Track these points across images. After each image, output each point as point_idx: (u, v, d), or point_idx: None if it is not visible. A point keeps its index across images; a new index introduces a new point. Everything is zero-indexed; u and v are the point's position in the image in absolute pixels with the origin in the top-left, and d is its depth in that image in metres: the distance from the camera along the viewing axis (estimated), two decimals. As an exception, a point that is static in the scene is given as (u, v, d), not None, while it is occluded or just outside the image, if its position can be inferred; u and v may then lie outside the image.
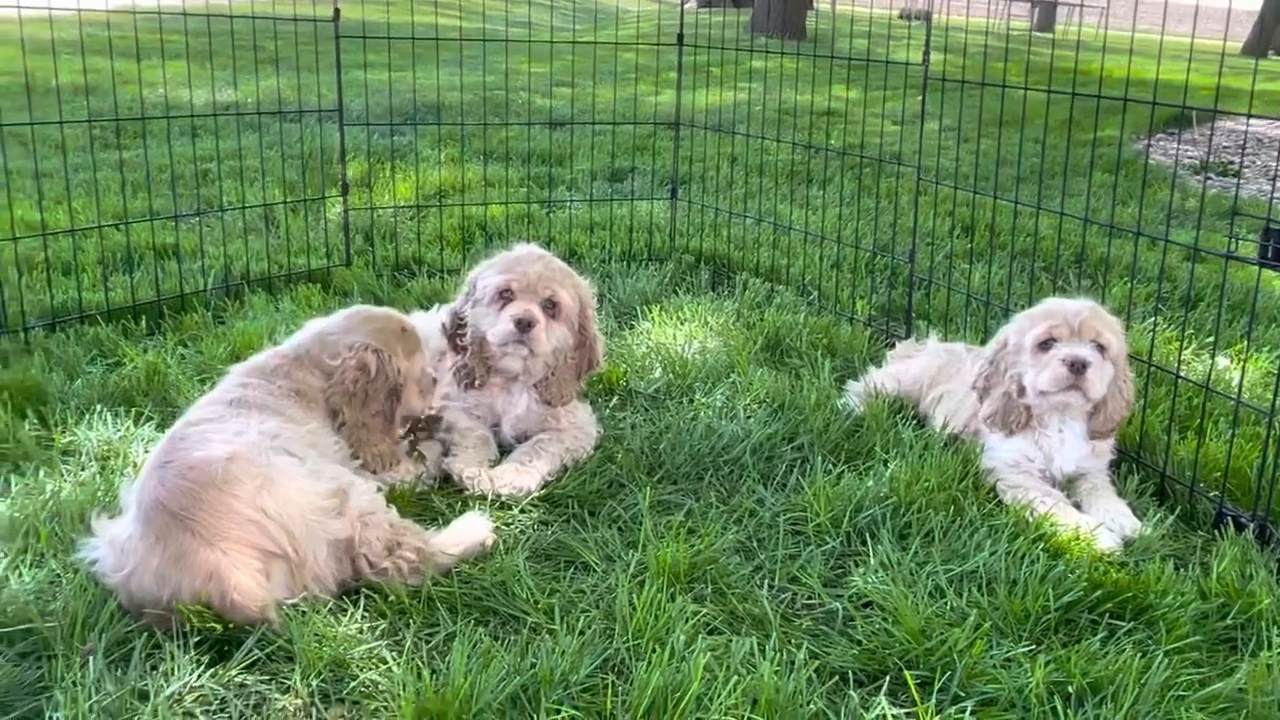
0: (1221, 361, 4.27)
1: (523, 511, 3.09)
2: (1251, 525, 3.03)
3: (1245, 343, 4.08)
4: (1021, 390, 3.26)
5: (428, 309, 4.22)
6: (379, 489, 2.78)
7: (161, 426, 3.43)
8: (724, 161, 6.90)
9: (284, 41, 5.76)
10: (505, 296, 3.36)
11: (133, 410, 3.52)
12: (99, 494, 2.98)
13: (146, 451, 3.21)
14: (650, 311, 4.66)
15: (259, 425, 2.69)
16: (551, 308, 3.37)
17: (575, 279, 3.49)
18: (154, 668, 2.32)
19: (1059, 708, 2.27)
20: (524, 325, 3.30)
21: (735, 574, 2.77)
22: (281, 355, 3.07)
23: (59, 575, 2.62)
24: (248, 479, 2.46)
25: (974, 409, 3.44)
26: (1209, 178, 8.11)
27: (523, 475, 3.20)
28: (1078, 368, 3.11)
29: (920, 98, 4.43)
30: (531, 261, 3.39)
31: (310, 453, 2.73)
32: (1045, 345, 3.20)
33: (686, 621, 2.52)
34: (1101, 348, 3.17)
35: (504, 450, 3.44)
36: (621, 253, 5.57)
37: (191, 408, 2.88)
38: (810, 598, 2.73)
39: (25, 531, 2.78)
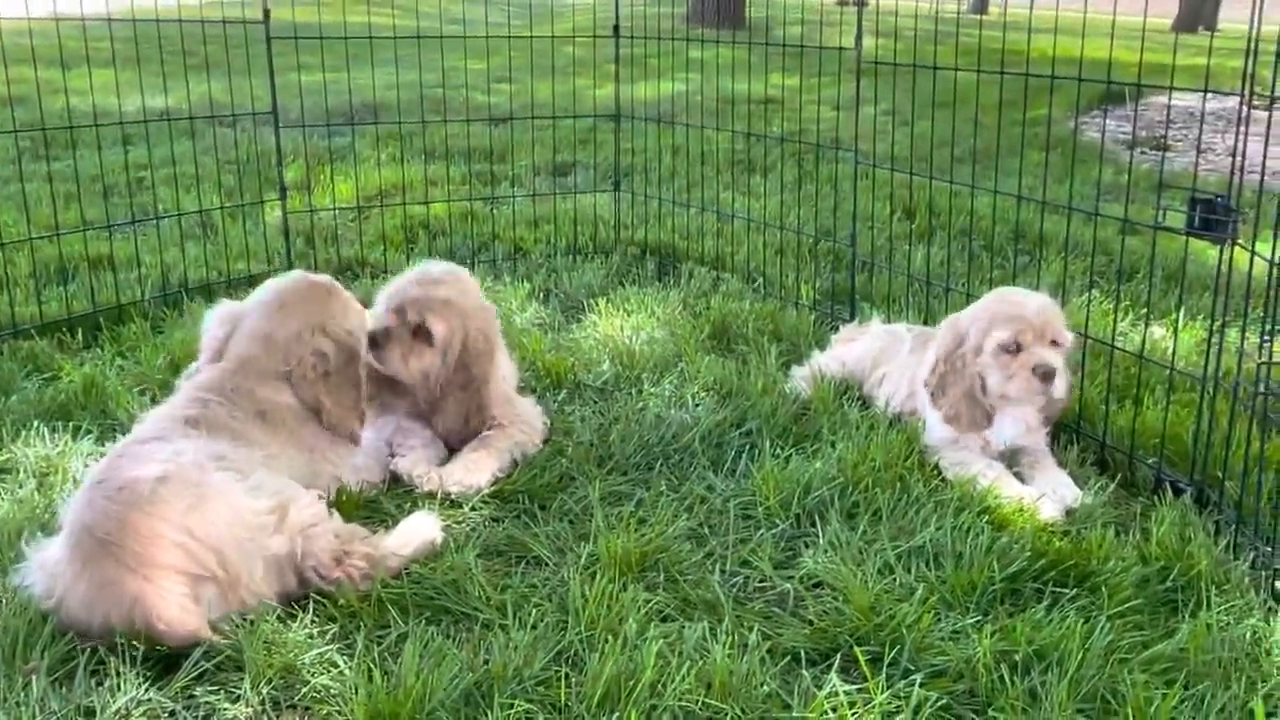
0: (1156, 331, 4.37)
1: (473, 509, 3.08)
2: (1189, 489, 3.11)
3: (1178, 312, 4.17)
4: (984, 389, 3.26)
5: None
6: (321, 497, 2.74)
7: (100, 440, 3.37)
8: (666, 152, 6.90)
9: (215, 45, 5.64)
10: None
11: (70, 424, 3.45)
12: (38, 511, 2.92)
13: (86, 466, 3.15)
14: (597, 304, 4.66)
15: (207, 447, 2.63)
16: (423, 334, 3.32)
17: (461, 306, 3.37)
18: (99, 684, 2.28)
19: (1006, 676, 2.31)
20: (376, 343, 3.32)
21: (687, 561, 2.78)
22: (231, 371, 2.97)
23: (-2, 595, 2.57)
24: (176, 499, 2.40)
25: (911, 388, 3.48)
26: (1141, 152, 8.27)
27: (472, 473, 3.18)
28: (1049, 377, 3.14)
29: (855, 83, 4.46)
30: (412, 284, 3.39)
31: (258, 471, 2.66)
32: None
33: (639, 610, 2.52)
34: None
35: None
36: (567, 246, 5.56)
37: (143, 422, 2.82)
38: (762, 580, 2.75)
39: (-39, 552, 2.72)
